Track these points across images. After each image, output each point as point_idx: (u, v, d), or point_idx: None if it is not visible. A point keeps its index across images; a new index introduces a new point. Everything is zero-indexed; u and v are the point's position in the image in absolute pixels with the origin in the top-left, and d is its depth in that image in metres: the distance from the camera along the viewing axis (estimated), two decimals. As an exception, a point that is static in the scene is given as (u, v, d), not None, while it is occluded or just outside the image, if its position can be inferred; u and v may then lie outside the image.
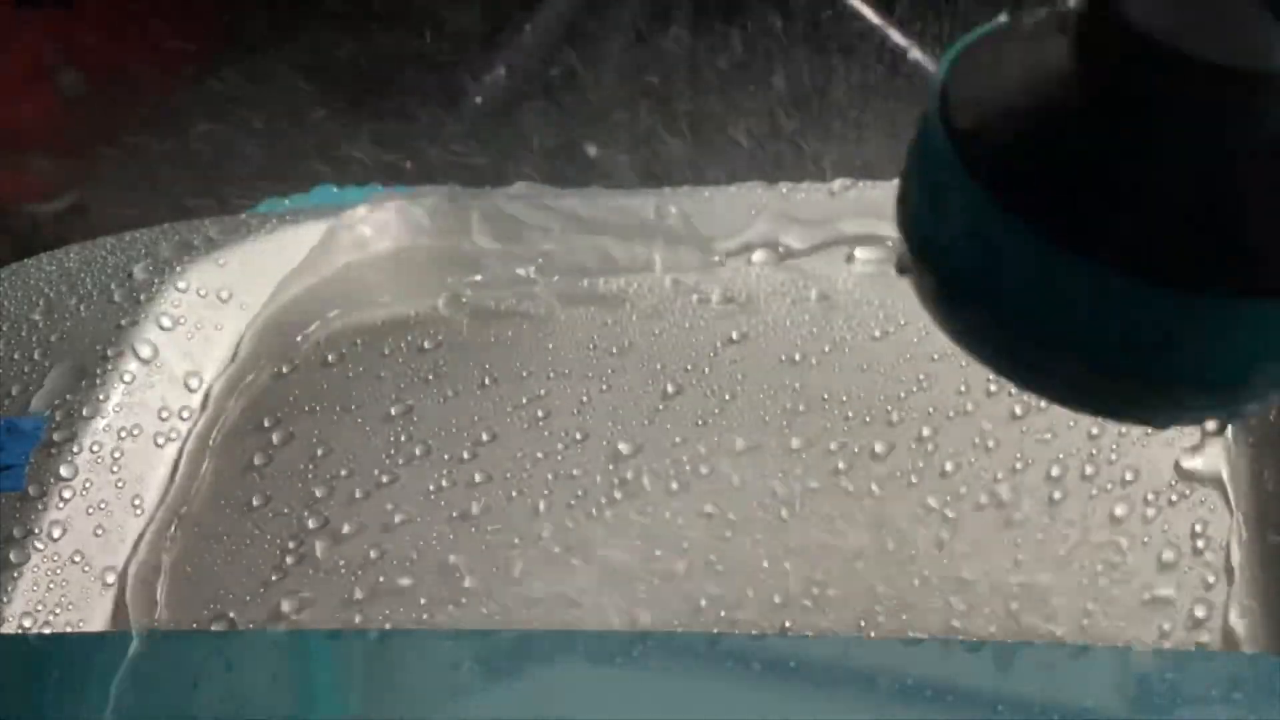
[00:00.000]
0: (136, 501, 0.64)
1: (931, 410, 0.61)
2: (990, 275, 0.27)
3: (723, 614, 0.57)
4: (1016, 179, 0.27)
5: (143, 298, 0.69)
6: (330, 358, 0.68)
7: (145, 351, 0.67)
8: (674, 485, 0.60)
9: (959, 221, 0.28)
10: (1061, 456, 0.59)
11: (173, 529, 0.63)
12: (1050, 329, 0.27)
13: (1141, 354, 0.27)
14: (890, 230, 0.68)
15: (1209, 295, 0.25)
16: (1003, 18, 0.28)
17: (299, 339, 0.69)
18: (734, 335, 0.65)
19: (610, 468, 0.62)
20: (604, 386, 0.64)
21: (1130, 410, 0.31)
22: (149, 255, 0.72)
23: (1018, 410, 0.60)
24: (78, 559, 0.61)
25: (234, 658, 0.58)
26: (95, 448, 0.64)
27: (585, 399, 0.64)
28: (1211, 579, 0.55)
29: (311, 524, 0.62)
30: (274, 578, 0.60)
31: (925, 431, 0.60)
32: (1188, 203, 0.25)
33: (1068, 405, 0.30)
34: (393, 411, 0.65)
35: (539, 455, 0.63)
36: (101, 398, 0.65)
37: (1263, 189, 0.25)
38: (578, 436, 0.63)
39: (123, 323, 0.68)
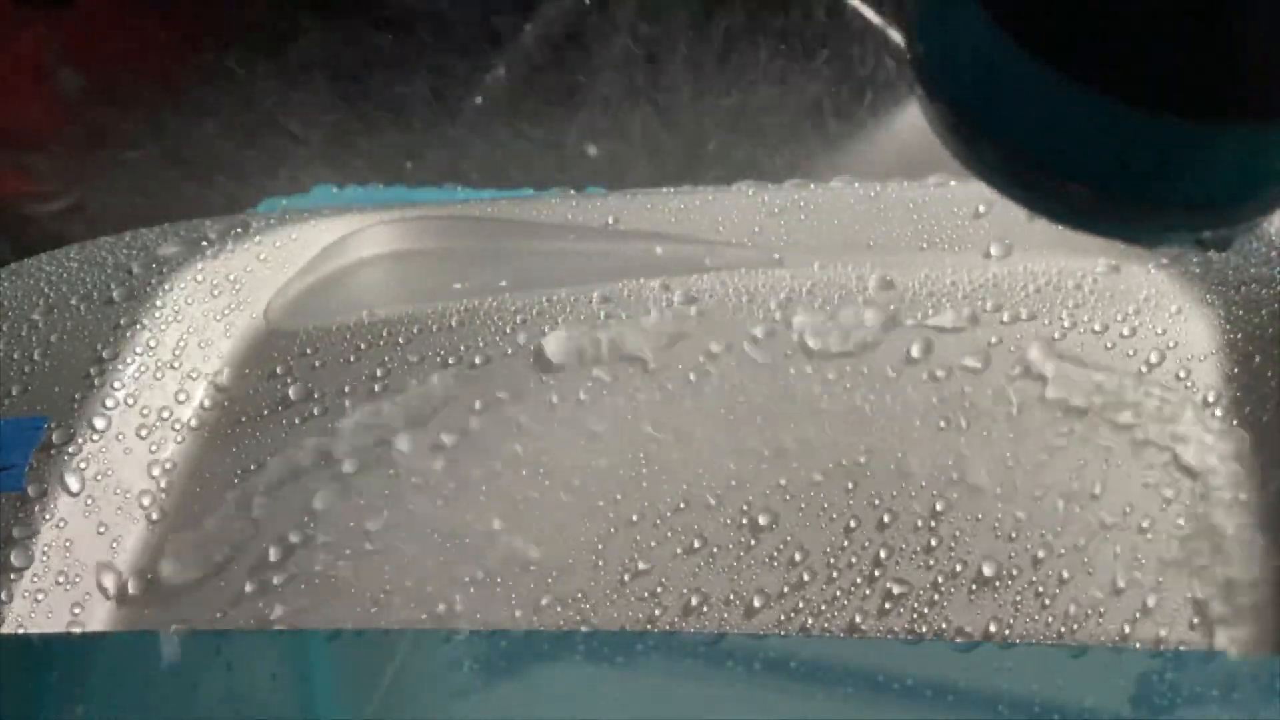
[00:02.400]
0: (137, 501, 0.64)
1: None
2: (1000, 106, 0.29)
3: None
4: (1023, 9, 0.28)
5: (142, 298, 0.69)
6: (331, 359, 0.68)
7: (145, 351, 0.67)
8: (673, 485, 0.60)
9: (968, 52, 0.29)
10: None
11: (173, 529, 0.63)
12: (1054, 156, 0.29)
13: (1140, 178, 0.29)
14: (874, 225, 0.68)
15: (1204, 120, 0.27)
16: None
17: (299, 340, 0.69)
18: (735, 339, 0.65)
19: (610, 471, 0.61)
20: (605, 390, 0.64)
21: (1127, 230, 0.33)
22: (149, 255, 0.72)
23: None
24: (78, 560, 0.61)
25: (234, 658, 0.58)
26: (95, 448, 0.64)
27: (586, 403, 0.64)
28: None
29: (313, 523, 0.62)
30: (274, 573, 0.60)
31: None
32: (1185, 31, 0.26)
33: (1065, 224, 0.32)
34: (393, 415, 0.65)
35: (539, 458, 0.63)
36: (101, 398, 0.65)
37: (1254, 17, 0.27)
38: (579, 441, 0.63)
39: (122, 323, 0.68)
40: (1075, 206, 0.31)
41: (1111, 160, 0.29)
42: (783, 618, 0.56)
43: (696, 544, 0.58)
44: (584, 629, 0.56)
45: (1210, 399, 0.59)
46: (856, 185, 0.70)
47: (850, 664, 0.54)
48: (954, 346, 0.63)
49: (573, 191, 0.76)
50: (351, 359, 0.68)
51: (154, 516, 0.64)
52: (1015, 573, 0.55)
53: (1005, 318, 0.63)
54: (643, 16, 1.34)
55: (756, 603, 0.56)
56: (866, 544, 0.57)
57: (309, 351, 0.69)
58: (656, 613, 0.57)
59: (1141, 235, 0.34)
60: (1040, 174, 0.30)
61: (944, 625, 0.55)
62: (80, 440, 0.63)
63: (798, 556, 0.57)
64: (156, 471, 0.65)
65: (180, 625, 0.60)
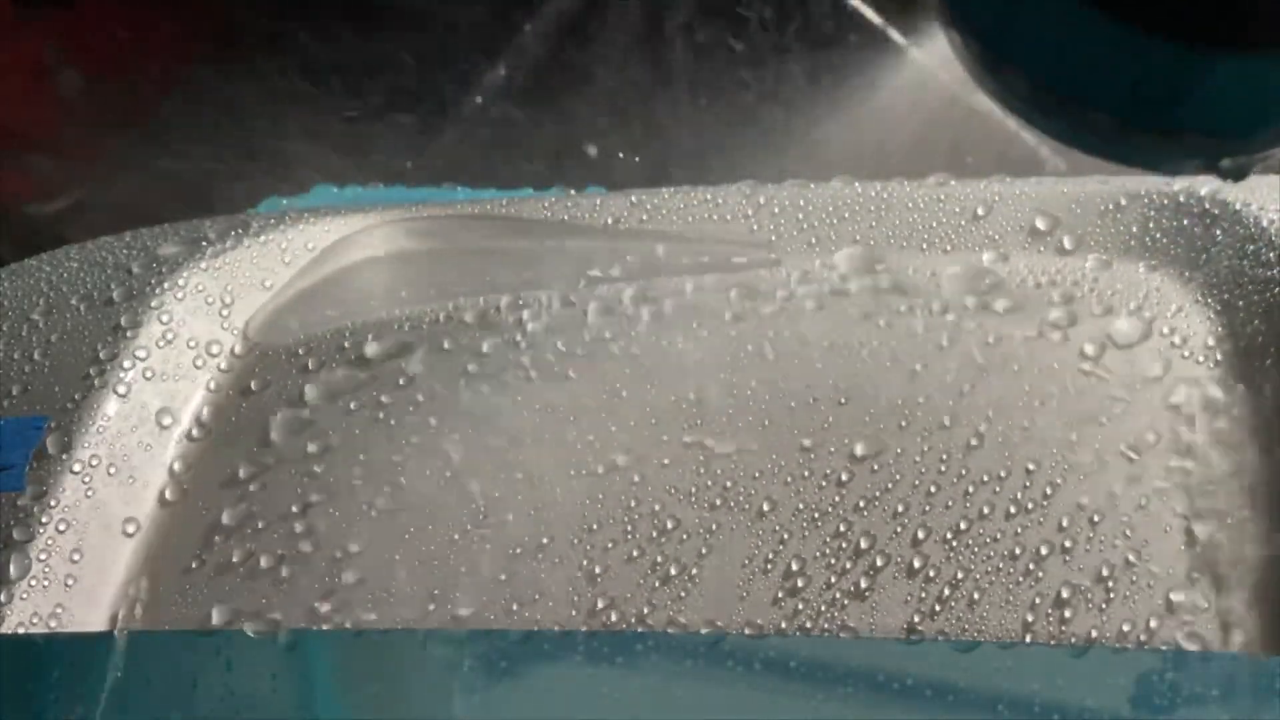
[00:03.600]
0: (136, 500, 0.64)
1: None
2: (1022, 36, 0.30)
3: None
4: None
5: (142, 298, 0.69)
6: (329, 359, 0.68)
7: (145, 351, 0.67)
8: (672, 490, 0.60)
9: None
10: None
11: (174, 528, 0.63)
12: (1073, 83, 0.31)
13: (1157, 105, 0.30)
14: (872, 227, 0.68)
15: (1218, 49, 0.28)
16: None
17: (299, 339, 0.69)
18: (735, 338, 0.65)
19: (609, 471, 0.61)
20: (606, 389, 0.64)
21: (1145, 157, 0.34)
22: (149, 255, 0.72)
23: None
24: (78, 559, 0.61)
25: (234, 658, 0.58)
26: (95, 448, 0.64)
27: (586, 403, 0.64)
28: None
29: (313, 524, 0.62)
30: (272, 574, 0.60)
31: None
32: None
33: (1089, 152, 0.34)
34: (392, 413, 0.65)
35: (541, 457, 0.63)
36: (101, 398, 0.65)
37: None
38: (577, 444, 0.63)
39: (122, 322, 0.68)
40: (1094, 133, 0.32)
41: (1129, 87, 0.30)
42: (783, 623, 0.56)
43: (707, 544, 0.58)
44: (583, 628, 0.56)
45: (1211, 396, 0.59)
46: (856, 185, 0.70)
47: (850, 664, 0.54)
48: (956, 345, 0.63)
49: (573, 191, 0.76)
50: (351, 357, 0.68)
51: (155, 516, 0.64)
52: (1012, 561, 0.55)
53: (1006, 315, 0.63)
54: (643, 17, 1.34)
55: (762, 602, 0.56)
56: (863, 539, 0.57)
57: (309, 350, 0.69)
58: (646, 616, 0.57)
59: (1159, 162, 0.35)
60: (1060, 101, 0.32)
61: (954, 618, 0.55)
62: (80, 440, 0.63)
63: (795, 566, 0.57)
64: (157, 471, 0.65)
65: (180, 625, 0.60)
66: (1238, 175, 0.33)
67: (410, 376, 0.66)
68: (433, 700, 0.56)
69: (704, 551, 0.58)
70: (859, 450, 0.60)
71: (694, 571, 0.57)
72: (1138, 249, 0.66)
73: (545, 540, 0.59)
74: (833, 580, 0.57)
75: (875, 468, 0.59)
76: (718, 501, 0.59)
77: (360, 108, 1.37)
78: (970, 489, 0.58)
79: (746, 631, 0.56)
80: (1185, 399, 0.60)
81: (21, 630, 0.59)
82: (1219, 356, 0.61)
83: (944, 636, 0.54)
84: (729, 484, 0.60)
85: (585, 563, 0.58)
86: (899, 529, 0.57)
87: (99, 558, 0.62)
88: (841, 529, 0.58)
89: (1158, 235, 0.65)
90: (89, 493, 0.62)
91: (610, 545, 0.59)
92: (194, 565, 0.62)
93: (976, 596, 0.55)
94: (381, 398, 0.66)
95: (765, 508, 0.59)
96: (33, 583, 0.60)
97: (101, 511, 0.63)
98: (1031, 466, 0.58)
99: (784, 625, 0.56)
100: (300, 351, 0.69)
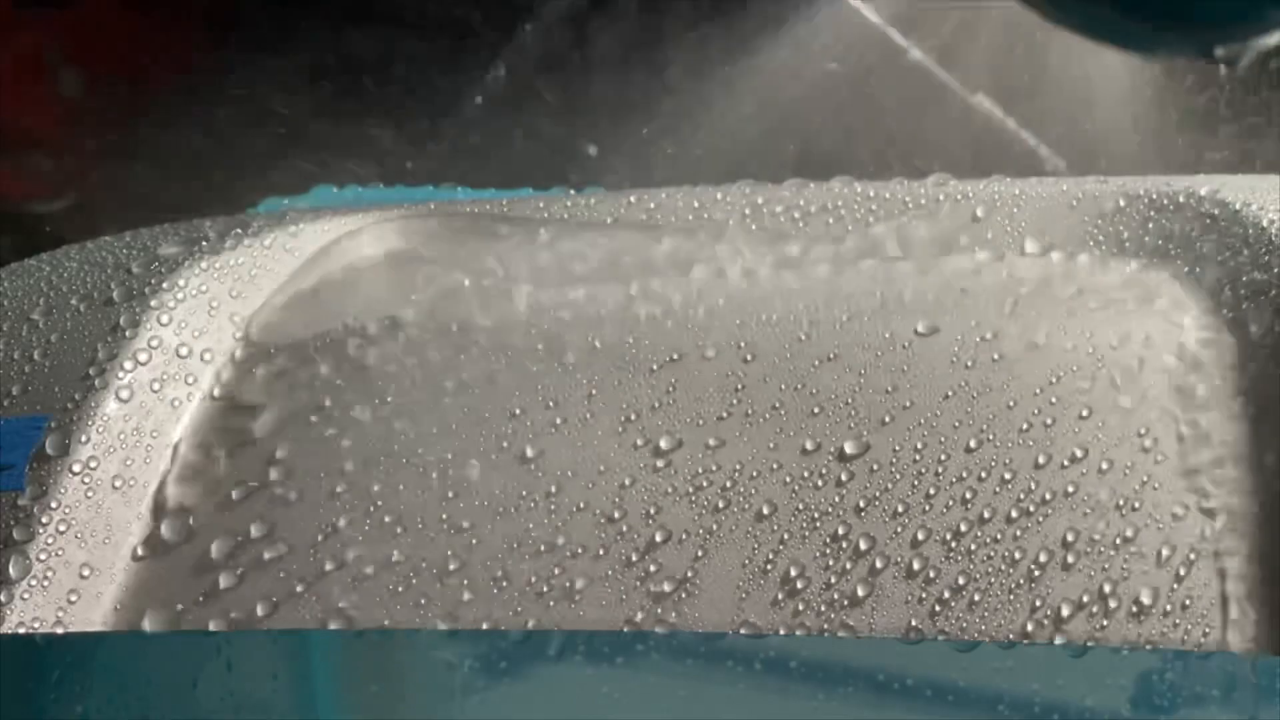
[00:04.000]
0: (135, 502, 0.64)
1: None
2: None
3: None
4: None
5: (142, 298, 0.69)
6: (330, 359, 0.68)
7: (144, 352, 0.67)
8: (669, 491, 0.60)
9: None
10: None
11: (173, 529, 0.63)
12: None
13: None
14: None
15: None
16: None
17: (299, 338, 0.70)
18: (735, 338, 0.65)
19: (605, 472, 0.62)
20: (605, 389, 0.64)
21: (1146, 44, 0.35)
22: (149, 255, 0.72)
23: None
24: (78, 560, 0.61)
25: (234, 658, 0.58)
26: (95, 449, 0.64)
27: (588, 403, 0.64)
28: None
29: (315, 526, 0.62)
30: (271, 578, 0.60)
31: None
32: None
33: (1093, 38, 0.35)
34: (394, 413, 0.65)
35: (541, 456, 0.63)
36: (101, 398, 0.65)
37: None
38: (570, 445, 0.63)
39: (122, 323, 0.68)
40: (1098, 20, 0.33)
41: None
42: (782, 627, 0.56)
43: (706, 544, 0.58)
44: (584, 629, 0.56)
45: (1210, 398, 0.59)
46: (856, 185, 0.70)
47: (850, 664, 0.54)
48: (955, 346, 0.63)
49: (573, 191, 0.76)
50: (351, 357, 0.68)
51: (154, 517, 0.64)
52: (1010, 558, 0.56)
53: (1005, 316, 0.63)
54: (643, 17, 1.34)
55: (756, 601, 0.57)
56: (862, 541, 0.57)
57: (309, 350, 0.69)
58: (655, 607, 0.57)
59: (1156, 48, 0.37)
60: None
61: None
62: (80, 440, 0.63)
63: (793, 571, 0.57)
64: (158, 472, 0.65)
65: (180, 626, 0.60)
66: (1231, 63, 0.33)
67: (412, 377, 0.67)
68: (433, 700, 0.56)
69: (700, 554, 0.58)
70: (858, 451, 0.60)
71: (691, 575, 0.57)
72: (1136, 249, 0.66)
73: (542, 542, 0.59)
74: (832, 581, 0.57)
75: (874, 468, 0.59)
76: (720, 504, 0.59)
77: (360, 108, 1.37)
78: (969, 494, 0.58)
79: (744, 632, 0.56)
80: (1184, 400, 0.60)
81: (22, 629, 0.59)
82: (1218, 358, 0.61)
83: (944, 636, 0.54)
84: (727, 484, 0.60)
85: (580, 565, 0.58)
86: (898, 529, 0.57)
87: (99, 558, 0.62)
88: (841, 530, 0.58)
89: (1156, 235, 0.65)
90: (89, 493, 0.62)
91: (603, 551, 0.59)
92: (194, 566, 0.62)
93: (977, 599, 0.55)
94: (384, 398, 0.66)
95: (765, 510, 0.59)
96: (33, 583, 0.60)
97: (101, 512, 0.63)
98: (1032, 469, 0.58)
99: (783, 628, 0.56)
100: (301, 351, 0.69)
